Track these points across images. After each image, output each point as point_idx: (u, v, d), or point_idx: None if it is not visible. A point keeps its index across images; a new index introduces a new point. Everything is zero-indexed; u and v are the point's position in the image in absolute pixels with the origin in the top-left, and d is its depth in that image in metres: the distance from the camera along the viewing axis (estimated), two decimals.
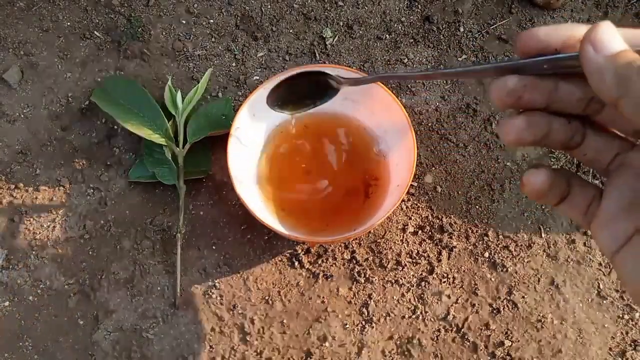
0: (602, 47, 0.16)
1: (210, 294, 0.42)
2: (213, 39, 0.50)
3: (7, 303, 0.42)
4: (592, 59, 0.16)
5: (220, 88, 0.48)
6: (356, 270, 0.43)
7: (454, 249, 0.44)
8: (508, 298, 0.43)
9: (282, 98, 0.34)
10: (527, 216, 0.45)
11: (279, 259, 0.43)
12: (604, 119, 0.20)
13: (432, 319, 0.42)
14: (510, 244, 0.44)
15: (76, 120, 0.47)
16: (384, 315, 0.42)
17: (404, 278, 0.43)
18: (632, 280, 0.18)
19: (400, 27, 0.50)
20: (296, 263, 0.43)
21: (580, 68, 0.17)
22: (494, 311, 0.42)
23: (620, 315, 0.42)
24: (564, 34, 0.18)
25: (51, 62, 0.48)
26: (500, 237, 0.44)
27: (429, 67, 0.50)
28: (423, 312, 0.42)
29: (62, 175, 0.45)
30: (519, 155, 0.47)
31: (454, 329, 0.42)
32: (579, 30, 0.18)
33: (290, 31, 0.50)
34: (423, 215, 0.45)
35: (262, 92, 0.41)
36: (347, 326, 0.42)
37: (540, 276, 0.43)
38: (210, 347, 0.41)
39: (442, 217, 0.45)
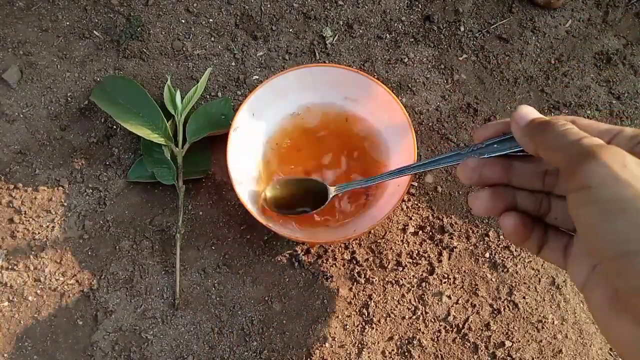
0: (521, 119, 0.23)
1: (210, 294, 0.42)
2: (212, 39, 0.50)
3: (6, 303, 0.42)
4: (516, 130, 0.23)
5: (219, 87, 0.48)
6: (356, 270, 0.43)
7: (454, 250, 0.44)
8: (509, 298, 0.43)
9: (280, 201, 0.40)
10: None
11: (279, 259, 0.43)
12: (562, 191, 0.24)
13: (432, 320, 0.42)
14: (511, 244, 0.44)
15: (75, 120, 0.47)
16: (384, 315, 0.42)
17: (405, 278, 0.43)
18: (594, 304, 0.21)
19: (400, 27, 0.50)
20: (296, 263, 0.43)
21: (517, 146, 0.23)
22: (495, 312, 0.42)
23: None
24: (506, 121, 0.25)
25: (50, 62, 0.48)
26: (501, 237, 0.44)
27: (429, 66, 0.50)
28: (423, 312, 0.42)
29: (61, 175, 0.45)
30: None
31: (455, 330, 0.42)
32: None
33: (290, 30, 0.50)
34: (423, 216, 0.45)
35: (261, 92, 0.41)
36: (347, 327, 0.42)
37: (541, 276, 0.43)
38: (210, 347, 0.41)
39: (442, 217, 0.45)
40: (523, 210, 0.25)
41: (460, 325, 0.42)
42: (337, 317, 0.42)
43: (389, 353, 0.41)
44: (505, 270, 0.43)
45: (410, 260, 0.43)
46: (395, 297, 0.42)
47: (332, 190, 0.40)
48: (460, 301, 0.42)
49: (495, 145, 0.25)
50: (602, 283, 0.21)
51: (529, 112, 0.23)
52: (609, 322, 0.20)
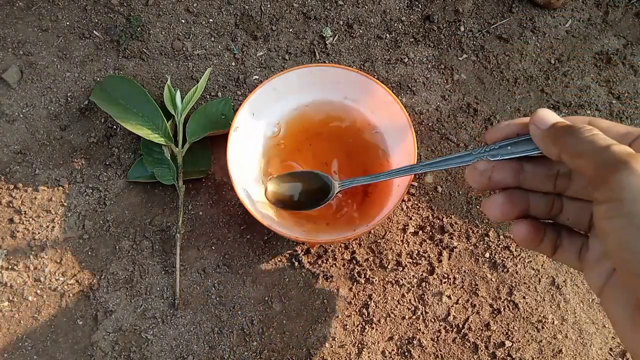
0: (541, 122, 0.22)
1: (210, 294, 0.42)
2: (212, 39, 0.50)
3: (6, 303, 0.42)
4: (536, 132, 0.22)
5: (219, 87, 0.48)
6: (356, 270, 0.43)
7: (454, 250, 0.44)
8: (509, 298, 0.43)
9: (281, 198, 0.39)
10: None
11: (279, 259, 0.43)
12: (574, 193, 0.24)
13: (432, 320, 0.42)
14: (511, 244, 0.44)
15: (75, 119, 0.47)
16: (384, 315, 0.42)
17: (405, 278, 0.43)
18: (614, 312, 0.20)
19: (400, 27, 0.50)
20: (296, 263, 0.43)
21: (534, 149, 0.23)
22: (495, 312, 0.42)
23: None
24: (520, 121, 0.24)
25: (50, 62, 0.48)
26: (501, 237, 0.44)
27: (429, 66, 0.50)
28: (423, 312, 0.42)
29: (61, 175, 0.45)
30: None
31: (455, 330, 0.42)
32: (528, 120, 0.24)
33: (290, 30, 0.50)
34: (423, 216, 0.45)
35: (262, 92, 0.41)
36: (347, 327, 0.42)
37: (541, 276, 0.43)
38: (210, 347, 0.41)
39: (442, 217, 0.45)
40: (535, 214, 0.24)
41: (460, 325, 0.42)
42: (337, 317, 0.42)
43: (389, 353, 0.41)
44: (505, 270, 0.43)
45: (410, 260, 0.43)
46: (395, 297, 0.42)
47: (336, 186, 0.39)
48: (460, 301, 0.42)
49: (509, 147, 0.24)
50: (624, 291, 0.20)
51: (550, 116, 0.22)
52: (631, 332, 0.19)
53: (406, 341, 0.41)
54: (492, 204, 0.24)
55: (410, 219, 0.45)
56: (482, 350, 0.41)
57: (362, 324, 0.42)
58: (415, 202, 0.45)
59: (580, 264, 0.24)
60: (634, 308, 0.19)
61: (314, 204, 0.39)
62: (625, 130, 0.22)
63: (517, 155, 0.24)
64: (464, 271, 0.43)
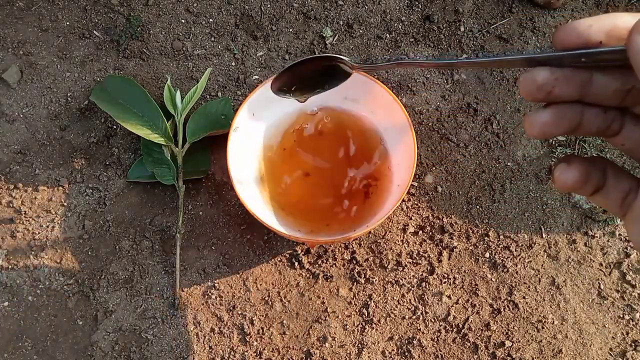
0: None
1: (210, 294, 0.42)
2: (212, 39, 0.50)
3: (6, 303, 0.42)
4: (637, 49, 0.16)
5: (219, 87, 0.49)
6: (356, 270, 0.43)
7: (454, 250, 0.44)
8: (509, 298, 0.43)
9: (289, 84, 0.33)
10: (527, 216, 0.45)
11: (279, 259, 0.43)
12: None
13: (432, 320, 0.42)
14: (511, 244, 0.44)
15: (75, 119, 0.47)
16: (384, 315, 0.42)
17: (405, 278, 0.43)
18: None
19: (400, 27, 0.51)
20: (296, 263, 0.43)
21: (622, 61, 0.17)
22: (495, 312, 0.42)
23: (621, 316, 0.43)
24: (607, 25, 0.18)
25: (50, 62, 0.49)
26: (501, 237, 0.45)
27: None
28: (423, 312, 0.42)
29: (61, 175, 0.46)
30: (520, 155, 0.47)
31: (455, 330, 0.42)
32: (622, 19, 0.17)
33: (290, 30, 0.50)
34: (423, 216, 0.45)
35: (262, 92, 0.41)
36: (347, 327, 0.42)
37: (541, 276, 0.44)
38: (210, 347, 0.41)
39: (442, 217, 0.45)
40: (584, 132, 0.19)
41: (460, 325, 0.42)
42: (337, 317, 0.42)
43: (389, 353, 0.41)
44: (505, 270, 0.44)
45: (410, 260, 0.44)
46: (395, 297, 0.43)
47: (350, 62, 0.31)
48: (460, 301, 0.43)
49: (583, 59, 0.18)
50: None
51: None
52: None
53: (406, 341, 0.41)
54: (534, 120, 0.19)
55: (410, 219, 0.45)
56: (482, 350, 0.41)
57: (362, 324, 0.42)
58: (415, 202, 0.46)
59: (622, 210, 0.20)
60: None
61: (325, 85, 0.32)
62: None
63: (601, 65, 0.18)
64: (464, 271, 0.43)
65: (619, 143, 0.20)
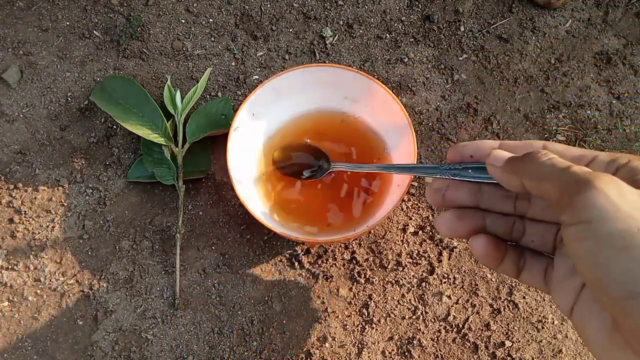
0: (497, 160, 0.23)
1: (210, 294, 0.43)
2: (212, 38, 0.50)
3: (6, 303, 0.42)
4: (495, 171, 0.23)
5: (219, 87, 0.49)
6: (356, 270, 0.43)
7: (454, 250, 0.44)
8: (509, 298, 0.43)
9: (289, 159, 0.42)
10: None
11: (279, 259, 0.44)
12: (536, 215, 0.24)
13: (432, 320, 0.42)
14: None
15: (75, 119, 0.47)
16: (384, 315, 0.42)
17: (405, 278, 0.43)
18: (588, 332, 0.20)
19: (400, 27, 0.51)
20: (296, 263, 0.43)
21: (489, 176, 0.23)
22: (495, 312, 0.43)
23: None
24: (474, 145, 0.25)
25: (50, 62, 0.49)
26: None
27: (429, 66, 0.50)
28: (423, 312, 0.42)
29: (61, 175, 0.46)
30: None
31: (455, 330, 0.42)
32: (484, 145, 0.25)
33: (290, 30, 0.50)
34: (423, 216, 0.45)
35: (262, 92, 0.42)
36: (347, 327, 0.42)
37: None
38: (210, 347, 0.41)
39: None
40: (494, 233, 0.24)
41: (460, 325, 0.42)
42: (337, 317, 0.42)
43: (389, 353, 0.41)
44: None
45: (410, 260, 0.44)
46: (395, 297, 0.43)
47: (331, 165, 0.42)
48: (460, 301, 0.43)
49: (470, 171, 0.24)
50: (595, 311, 0.20)
51: (504, 153, 0.23)
52: (608, 352, 0.19)
53: (406, 341, 0.42)
54: (441, 221, 0.25)
55: (410, 219, 0.45)
56: (482, 350, 0.42)
57: (362, 324, 0.42)
58: (415, 202, 0.46)
59: (547, 286, 0.24)
60: (610, 331, 0.19)
61: (310, 176, 0.43)
62: (579, 153, 0.22)
63: (478, 181, 0.24)
64: (464, 271, 0.44)
65: (529, 241, 0.24)
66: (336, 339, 0.42)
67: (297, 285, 0.43)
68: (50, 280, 0.43)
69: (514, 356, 0.41)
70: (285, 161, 0.44)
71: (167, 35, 0.50)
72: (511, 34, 0.51)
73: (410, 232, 0.45)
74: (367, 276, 0.43)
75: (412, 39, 0.51)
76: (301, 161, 0.44)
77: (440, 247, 0.44)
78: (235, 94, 0.49)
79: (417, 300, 0.43)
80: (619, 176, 0.19)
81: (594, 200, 0.17)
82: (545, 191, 0.20)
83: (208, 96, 0.48)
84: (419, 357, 0.41)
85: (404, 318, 0.42)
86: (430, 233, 0.45)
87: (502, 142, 0.25)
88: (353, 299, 0.43)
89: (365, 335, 0.42)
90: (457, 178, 0.25)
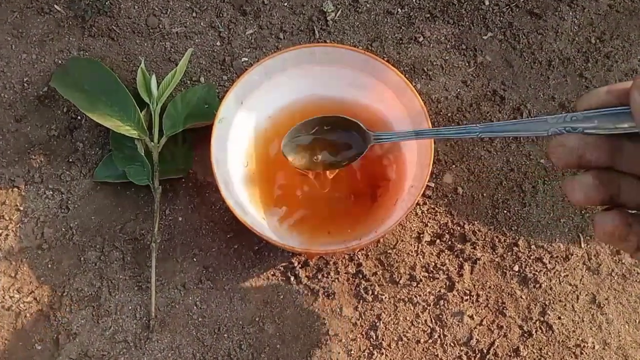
0: None
1: (191, 314, 0.42)
2: (194, 14, 0.49)
3: None
4: (638, 100, 0.20)
5: (202, 72, 0.48)
6: (362, 286, 0.43)
7: (477, 262, 0.43)
8: (541, 319, 0.42)
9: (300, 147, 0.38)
10: (563, 223, 0.44)
11: (272, 273, 0.43)
12: None
13: (452, 344, 0.41)
14: (544, 255, 0.43)
15: (33, 109, 0.46)
16: (395, 339, 0.41)
17: (419, 296, 0.42)
18: None
19: (414, 0, 0.49)
20: (292, 278, 0.43)
21: (630, 127, 0.21)
22: (525, 334, 0.42)
23: None
24: (623, 87, 0.22)
25: (3, 41, 0.47)
26: (533, 247, 0.44)
27: (448, 46, 0.48)
28: (441, 335, 0.41)
29: (16, 175, 0.45)
30: None
31: (478, 356, 0.41)
32: (600, 90, 0.22)
33: (285, 4, 0.49)
34: (441, 222, 0.44)
35: (251, 76, 0.41)
36: (352, 352, 0.41)
37: (579, 293, 0.43)
38: None
39: (464, 223, 0.44)
40: (624, 201, 0.22)
41: (485, 351, 0.41)
42: (340, 340, 0.41)
43: None
44: (538, 285, 0.43)
45: (426, 274, 0.43)
46: (408, 318, 0.42)
47: (371, 137, 0.37)
48: (484, 322, 0.42)
49: (595, 121, 0.22)
50: None
51: None
52: None
53: None
54: (577, 185, 0.22)
55: (426, 225, 0.44)
56: None
57: (369, 349, 0.41)
58: (432, 206, 0.45)
59: None
60: None
61: (337, 162, 0.38)
62: None
63: (604, 133, 0.22)
64: (489, 287, 0.43)
65: None
66: None
67: (293, 304, 0.42)
68: (4, 298, 0.42)
69: None
70: (298, 149, 0.39)
71: (140, 10, 0.49)
72: (544, 8, 0.49)
73: (425, 242, 0.44)
74: (376, 293, 0.42)
75: (428, 15, 0.49)
76: (324, 140, 0.38)
77: (461, 259, 0.43)
78: (221, 79, 0.47)
79: (433, 321, 0.42)
80: None
81: None
82: None
83: (189, 82, 0.47)
84: None
85: (418, 342, 0.41)
86: (450, 242, 0.44)
87: (610, 86, 0.23)
88: (359, 319, 0.42)
89: None
90: (579, 131, 0.22)
